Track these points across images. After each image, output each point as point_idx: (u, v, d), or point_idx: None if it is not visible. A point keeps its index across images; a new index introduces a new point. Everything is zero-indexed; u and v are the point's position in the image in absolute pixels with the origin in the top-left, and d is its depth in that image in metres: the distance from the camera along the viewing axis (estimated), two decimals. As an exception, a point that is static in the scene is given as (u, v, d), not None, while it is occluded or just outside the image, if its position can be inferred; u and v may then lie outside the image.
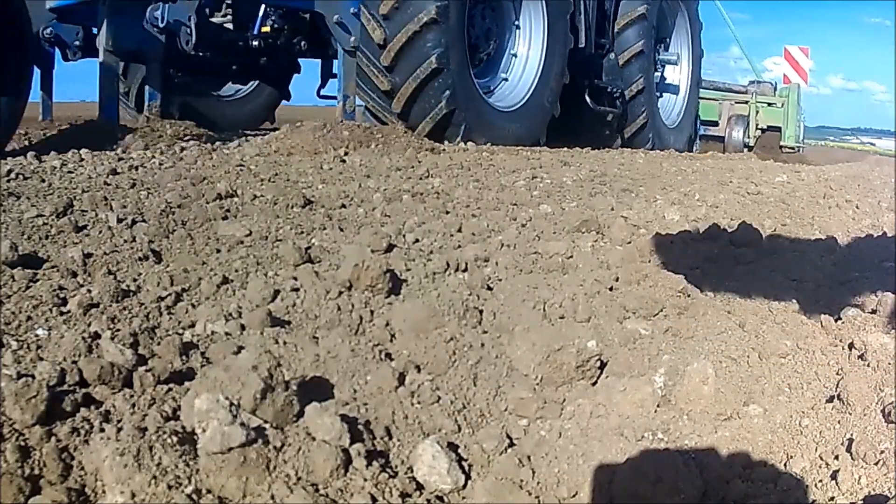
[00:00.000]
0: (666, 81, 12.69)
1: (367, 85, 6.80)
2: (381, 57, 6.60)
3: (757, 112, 15.78)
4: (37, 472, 0.99)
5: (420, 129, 6.57)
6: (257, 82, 8.27)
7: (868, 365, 1.57)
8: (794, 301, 2.16)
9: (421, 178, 4.01)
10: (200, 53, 5.92)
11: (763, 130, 15.79)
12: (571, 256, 2.35)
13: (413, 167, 4.44)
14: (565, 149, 7.93)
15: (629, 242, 2.58)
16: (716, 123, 15.45)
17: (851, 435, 1.27)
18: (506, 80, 8.37)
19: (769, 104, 16.05)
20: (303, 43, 7.02)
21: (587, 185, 4.59)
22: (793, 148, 15.93)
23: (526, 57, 8.43)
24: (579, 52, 9.34)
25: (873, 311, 1.98)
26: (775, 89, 16.69)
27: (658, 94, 12.14)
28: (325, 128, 5.13)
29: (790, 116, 15.95)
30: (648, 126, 10.83)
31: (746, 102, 15.77)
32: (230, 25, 6.78)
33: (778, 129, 15.76)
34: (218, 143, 4.86)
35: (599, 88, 10.02)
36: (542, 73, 8.35)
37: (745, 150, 14.90)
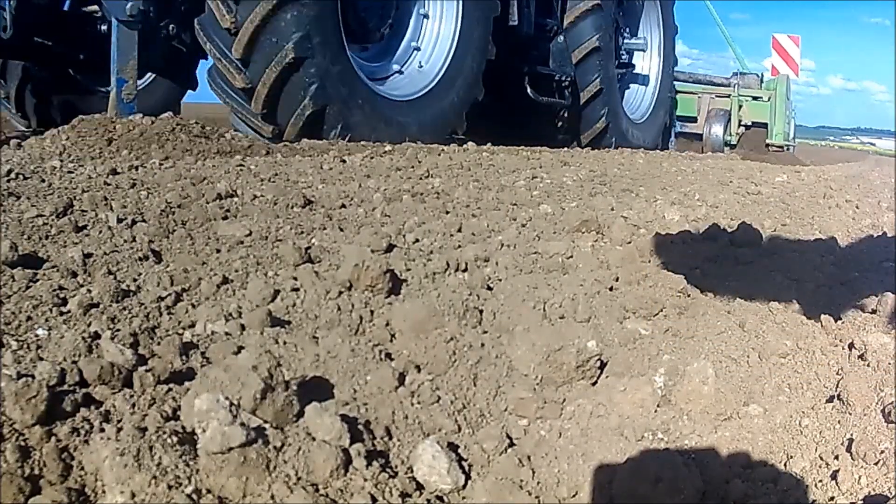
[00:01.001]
0: (634, 71, 11.38)
1: (223, 83, 5.50)
2: (231, 47, 5.26)
3: (740, 107, 14.14)
4: (37, 472, 0.99)
5: (288, 133, 5.46)
6: (153, 74, 7.08)
7: (868, 365, 1.57)
8: (794, 301, 2.16)
9: (421, 178, 4.01)
10: (50, 42, 5.14)
11: (747, 127, 14.18)
12: (571, 256, 2.35)
13: (413, 167, 4.44)
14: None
15: (629, 242, 2.58)
16: (694, 119, 14.02)
17: (851, 435, 1.27)
18: (409, 64, 6.89)
19: (754, 98, 14.36)
20: (171, 27, 5.94)
21: (587, 185, 4.59)
22: (781, 147, 14.25)
23: (436, 32, 6.90)
24: (515, 32, 7.97)
25: (873, 311, 1.99)
26: (762, 81, 14.96)
27: (624, 85, 11.01)
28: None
29: (778, 111, 14.23)
30: (610, 130, 9.69)
31: (728, 96, 14.14)
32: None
33: (764, 125, 14.06)
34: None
35: (544, 76, 8.67)
36: (456, 51, 6.83)
37: (728, 148, 13.64)
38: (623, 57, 10.83)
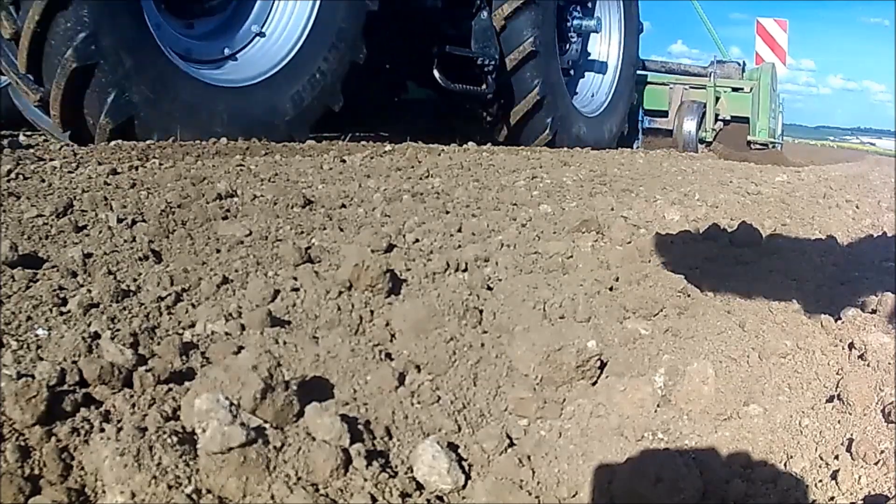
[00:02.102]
0: (589, 57, 9.83)
1: (24, 100, 4.42)
2: (18, 60, 4.21)
3: (718, 99, 12.25)
4: (37, 472, 0.99)
5: (98, 139, 4.28)
6: None
7: (868, 365, 1.57)
8: (794, 301, 2.16)
9: (421, 178, 4.01)
10: None
11: (726, 122, 12.34)
12: (571, 256, 2.35)
13: (413, 167, 4.44)
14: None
15: (629, 242, 2.58)
16: (665, 114, 12.16)
17: (851, 435, 1.27)
18: (249, 48, 5.40)
19: (734, 89, 12.48)
20: None
21: (587, 185, 4.59)
22: (765, 144, 12.58)
23: (287, 12, 5.47)
24: (419, 5, 6.67)
25: (873, 311, 1.99)
26: (743, 70, 13.10)
27: (573, 71, 9.48)
28: None
29: (762, 104, 12.40)
30: (545, 109, 7.85)
31: (704, 87, 12.22)
32: None
33: (746, 120, 12.27)
34: None
35: (459, 59, 7.05)
36: (312, 28, 5.40)
37: (703, 146, 11.89)
38: (573, 40, 9.17)
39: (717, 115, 12.24)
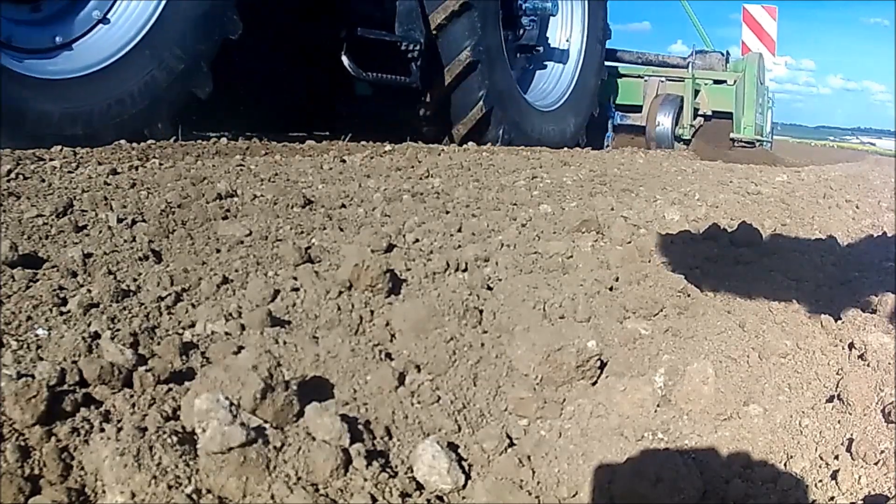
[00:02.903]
0: (550, 45, 8.73)
1: None
2: None
3: (697, 92, 10.97)
4: (37, 472, 0.99)
5: None
6: None
7: (868, 365, 1.57)
8: (794, 301, 2.16)
9: (421, 178, 4.01)
10: None
11: (707, 118, 11.10)
12: (571, 256, 2.35)
13: (413, 167, 4.44)
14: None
15: (629, 242, 2.58)
16: (640, 109, 11.01)
17: (851, 435, 1.27)
18: (89, 35, 4.37)
19: (716, 82, 11.22)
20: None
21: (587, 185, 4.59)
22: (751, 143, 11.47)
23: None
24: None
25: (873, 311, 1.99)
26: (727, 61, 11.84)
27: (534, 63, 8.58)
28: None
29: (747, 98, 11.24)
30: (494, 121, 6.99)
31: (682, 79, 10.98)
32: None
33: (729, 115, 11.05)
34: None
35: (375, 44, 5.98)
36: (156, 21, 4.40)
37: (680, 144, 10.74)
38: (527, 26, 8.07)
39: (696, 111, 11.06)
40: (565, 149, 7.98)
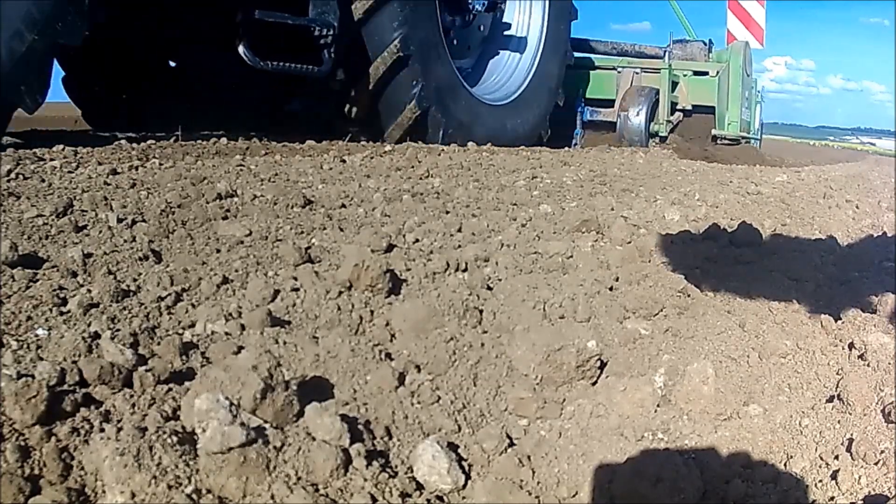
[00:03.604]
0: (506, 32, 7.86)
1: None
2: None
3: (675, 85, 9.99)
4: (37, 472, 0.99)
5: None
6: None
7: (868, 365, 1.57)
8: (794, 301, 2.16)
9: (421, 178, 4.01)
10: None
11: (687, 112, 10.18)
12: (571, 256, 2.35)
13: (413, 167, 4.44)
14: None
15: (629, 242, 2.58)
16: (613, 103, 10.06)
17: (851, 435, 1.27)
18: None
19: (697, 73, 10.21)
20: None
21: (587, 185, 4.59)
22: (735, 140, 10.57)
23: None
24: None
25: (873, 311, 1.99)
26: (710, 51, 10.83)
27: (486, 52, 7.67)
28: None
29: (732, 91, 10.36)
30: (431, 124, 6.20)
31: (659, 71, 9.95)
32: None
33: (710, 110, 10.15)
34: None
35: (280, 28, 5.19)
36: None
37: (656, 141, 9.78)
38: (478, 9, 7.23)
39: (674, 105, 10.09)
40: (566, 149, 7.93)
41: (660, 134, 9.86)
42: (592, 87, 10.07)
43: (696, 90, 10.14)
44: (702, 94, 10.15)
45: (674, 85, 10.02)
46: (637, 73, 10.08)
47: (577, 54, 9.56)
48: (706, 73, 10.29)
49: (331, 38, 5.38)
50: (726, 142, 10.40)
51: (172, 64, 6.76)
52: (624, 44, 10.81)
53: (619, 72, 10.18)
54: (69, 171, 3.03)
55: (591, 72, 10.15)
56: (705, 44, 10.90)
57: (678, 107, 10.18)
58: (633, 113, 9.62)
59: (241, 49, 5.03)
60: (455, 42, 7.05)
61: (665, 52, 10.23)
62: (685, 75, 10.17)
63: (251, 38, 5.06)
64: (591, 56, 10.34)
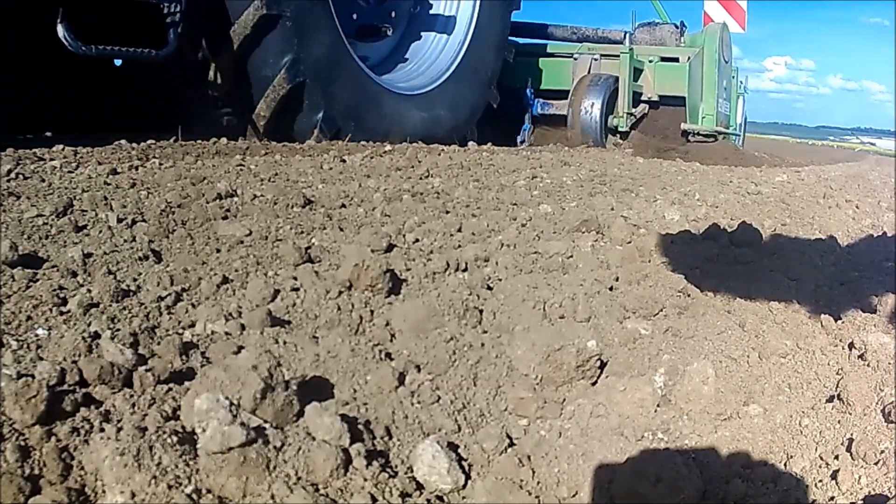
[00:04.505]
0: (430, 10, 6.89)
1: None
2: None
3: (639, 72, 8.75)
4: (37, 471, 0.99)
5: None
6: None
7: (868, 365, 1.57)
8: (794, 301, 2.16)
9: (421, 178, 4.01)
10: None
11: (653, 104, 8.92)
12: (571, 256, 2.35)
13: (413, 167, 4.44)
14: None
15: (629, 242, 2.58)
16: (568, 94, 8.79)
17: (851, 435, 1.27)
18: None
19: (665, 59, 8.94)
20: None
21: (587, 185, 4.59)
22: (711, 136, 9.24)
23: None
24: None
25: (873, 311, 1.99)
26: (682, 34, 9.58)
27: (386, 32, 6.50)
28: None
29: (706, 80, 9.11)
30: (308, 102, 5.26)
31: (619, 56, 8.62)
32: None
33: (681, 101, 8.87)
34: None
35: (109, 5, 4.37)
36: None
37: (615, 138, 8.68)
38: None
39: (637, 95, 8.84)
40: (566, 149, 7.55)
41: (620, 129, 8.68)
42: (546, 77, 8.89)
43: (664, 78, 8.93)
44: (670, 82, 8.91)
45: (638, 72, 8.85)
46: (596, 60, 8.86)
47: (531, 41, 8.86)
48: (676, 60, 9.09)
49: (178, 14, 4.55)
50: (700, 138, 9.21)
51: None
52: (585, 28, 9.68)
53: (575, 59, 8.99)
54: (69, 171, 3.03)
55: (545, 59, 8.99)
56: (677, 27, 9.76)
57: (644, 97, 8.99)
58: (585, 105, 8.33)
59: (60, 31, 4.10)
60: (355, 17, 6.13)
61: (626, 34, 9.13)
62: (651, 61, 8.96)
63: (74, 17, 4.12)
64: (550, 42, 9.30)
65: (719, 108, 9.51)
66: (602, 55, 8.87)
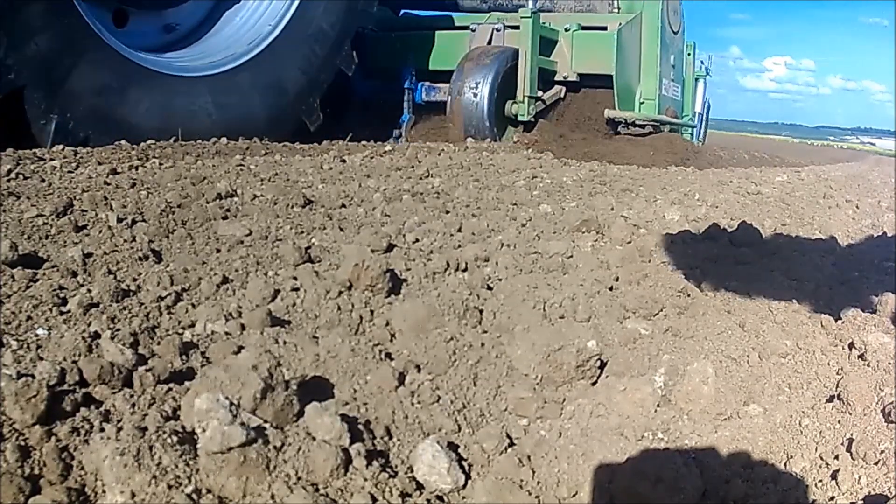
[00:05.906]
0: None
1: None
2: None
3: (553, 45, 6.80)
4: (37, 471, 0.99)
5: None
6: None
7: (868, 365, 1.57)
8: (794, 301, 2.16)
9: (421, 178, 4.01)
10: None
11: (571, 85, 6.97)
12: (571, 256, 2.35)
13: (413, 167, 4.44)
14: None
15: (629, 242, 2.58)
16: None
17: (851, 435, 1.27)
18: None
19: (586, 28, 6.87)
20: None
21: (587, 184, 4.59)
22: (654, 126, 7.32)
23: None
24: None
25: (873, 311, 1.99)
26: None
27: None
28: None
29: (646, 54, 7.17)
30: (37, 107, 3.83)
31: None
32: None
33: (606, 80, 6.84)
34: None
35: None
36: None
37: (513, 130, 6.73)
38: None
39: (550, 74, 6.84)
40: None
41: (521, 118, 6.60)
42: (436, 55, 6.92)
43: (585, 52, 6.79)
44: (593, 57, 6.78)
45: (551, 45, 6.81)
46: (499, 31, 6.86)
47: (426, 13, 7.14)
48: (601, 27, 6.91)
49: None
50: (632, 130, 7.19)
51: None
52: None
53: (472, 30, 6.96)
54: (69, 171, 3.03)
55: (434, 33, 7.02)
56: None
57: (558, 77, 6.93)
58: (468, 87, 6.29)
59: None
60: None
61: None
62: (568, 31, 6.86)
63: None
64: (455, 14, 7.41)
65: (664, 90, 7.48)
66: (506, 25, 6.85)
